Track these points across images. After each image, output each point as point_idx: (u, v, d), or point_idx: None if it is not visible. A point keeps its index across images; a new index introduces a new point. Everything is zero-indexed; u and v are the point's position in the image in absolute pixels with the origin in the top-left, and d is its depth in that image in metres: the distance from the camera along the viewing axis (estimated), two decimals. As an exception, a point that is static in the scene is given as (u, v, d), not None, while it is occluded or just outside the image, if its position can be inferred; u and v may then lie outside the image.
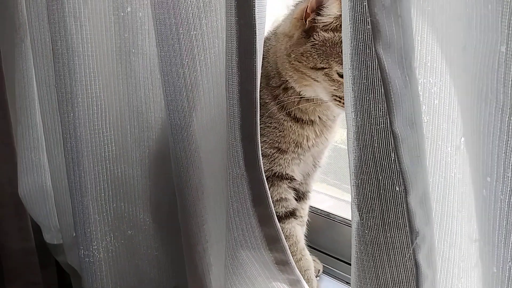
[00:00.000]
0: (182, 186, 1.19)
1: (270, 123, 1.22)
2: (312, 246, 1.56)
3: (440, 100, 0.83)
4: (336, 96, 1.11)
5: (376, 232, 0.87)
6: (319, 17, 1.06)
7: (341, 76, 1.06)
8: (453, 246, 0.89)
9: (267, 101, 1.21)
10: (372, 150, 0.81)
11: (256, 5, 0.92)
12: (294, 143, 1.23)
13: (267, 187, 1.02)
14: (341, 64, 1.01)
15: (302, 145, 1.26)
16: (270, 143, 1.23)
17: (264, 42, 1.26)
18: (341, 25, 1.02)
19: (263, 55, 1.23)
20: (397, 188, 0.81)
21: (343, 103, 1.08)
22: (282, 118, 1.21)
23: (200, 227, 1.22)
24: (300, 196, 1.40)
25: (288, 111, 1.20)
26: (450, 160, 0.84)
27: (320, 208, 1.63)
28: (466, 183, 0.82)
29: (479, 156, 0.69)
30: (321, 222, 1.62)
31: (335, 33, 1.06)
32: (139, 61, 1.33)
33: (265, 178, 1.01)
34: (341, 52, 1.00)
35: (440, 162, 0.85)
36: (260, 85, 1.20)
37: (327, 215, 1.62)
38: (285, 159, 1.25)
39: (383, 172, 0.81)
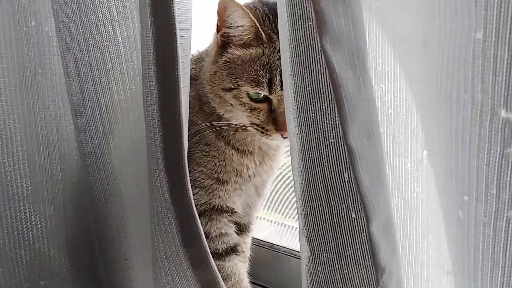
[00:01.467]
0: (100, 225, 1.00)
1: (208, 151, 1.06)
2: (257, 282, 1.40)
3: (395, 109, 0.71)
4: (254, 124, 0.97)
5: (331, 269, 0.72)
6: (227, 30, 0.92)
7: (253, 100, 0.94)
8: (418, 277, 0.77)
9: (202, 127, 1.05)
10: (321, 170, 0.68)
11: (175, 1, 0.77)
12: (234, 172, 1.08)
13: (199, 223, 0.86)
14: (251, 84, 0.90)
15: (242, 174, 1.11)
16: (208, 173, 1.07)
17: (197, 62, 1.12)
18: (254, 38, 0.90)
19: (196, 77, 1.08)
20: (354, 215, 0.68)
21: (266, 133, 0.95)
22: (222, 146, 1.06)
23: (124, 273, 1.03)
24: (242, 229, 1.25)
25: (228, 140, 1.05)
26: (410, 178, 0.73)
27: (262, 238, 1.48)
28: (432, 204, 0.70)
29: (451, 170, 0.57)
30: (264, 254, 1.46)
31: (247, 50, 0.92)
32: (47, 83, 1.13)
33: (196, 213, 0.85)
34: (252, 71, 0.89)
35: (399, 181, 0.73)
36: (193, 108, 1.05)
37: (270, 247, 1.47)
38: (226, 190, 1.09)
39: (337, 196, 0.68)
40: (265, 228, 1.59)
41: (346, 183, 0.67)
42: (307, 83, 0.65)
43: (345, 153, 0.60)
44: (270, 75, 0.89)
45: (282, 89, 0.88)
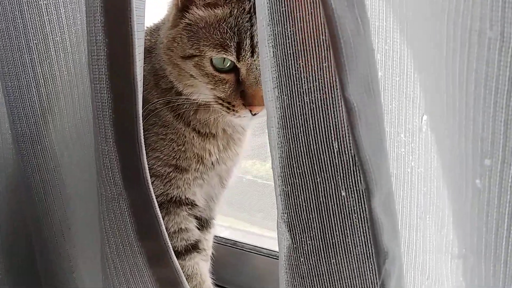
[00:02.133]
0: (39, 222, 0.85)
1: (165, 134, 0.93)
2: (220, 284, 1.27)
3: (387, 71, 0.61)
4: (219, 98, 0.85)
5: (316, 259, 0.62)
6: None
7: (218, 70, 0.82)
8: (412, 266, 0.67)
9: (158, 106, 0.92)
10: (306, 140, 0.57)
11: None
12: (195, 158, 0.95)
13: (158, 210, 0.72)
14: (216, 48, 0.79)
15: (204, 161, 0.98)
16: (164, 159, 0.94)
17: (153, 33, 0.99)
18: None
19: (151, 49, 0.95)
20: (344, 194, 0.57)
21: (233, 109, 0.83)
22: (181, 128, 0.93)
23: (68, 277, 0.88)
24: (203, 224, 1.12)
25: (188, 121, 0.91)
26: (404, 151, 0.63)
27: (224, 236, 1.35)
28: (432, 178, 0.60)
29: (467, 131, 0.47)
30: (226, 253, 1.33)
31: (212, 10, 0.81)
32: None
33: (154, 198, 0.72)
34: (218, 33, 0.78)
35: (390, 155, 0.63)
36: (148, 84, 0.91)
37: (233, 244, 1.35)
38: (185, 179, 0.97)
39: (324, 170, 0.57)
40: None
41: (336, 154, 0.57)
42: (290, 33, 0.54)
43: (337, 113, 0.50)
44: (238, 38, 0.78)
45: (252, 56, 0.79)
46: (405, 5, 0.56)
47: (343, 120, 0.52)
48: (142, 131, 0.67)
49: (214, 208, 1.16)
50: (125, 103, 0.65)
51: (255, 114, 0.83)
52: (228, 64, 0.81)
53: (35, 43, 0.79)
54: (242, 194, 1.41)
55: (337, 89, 0.51)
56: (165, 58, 0.88)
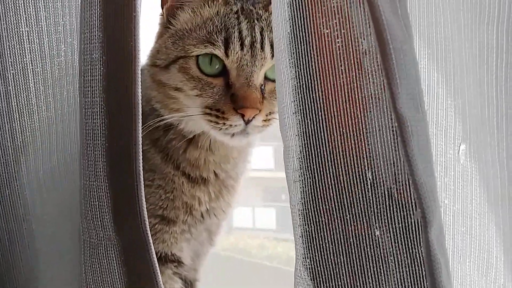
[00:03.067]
0: (1, 278, 0.72)
1: (152, 180, 0.85)
2: None
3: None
4: (206, 107, 0.77)
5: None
6: None
7: (205, 73, 0.76)
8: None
9: (145, 147, 0.83)
10: (335, 167, 0.50)
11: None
12: (184, 208, 0.85)
13: (154, 257, 0.60)
14: (202, 43, 0.75)
15: (193, 212, 0.88)
16: (150, 209, 0.84)
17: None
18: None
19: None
20: (378, 233, 0.49)
21: (223, 116, 0.75)
22: (170, 172, 0.85)
23: None
24: (187, 287, 0.99)
25: (177, 163, 0.83)
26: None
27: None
28: (473, 215, 0.53)
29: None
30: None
31: (198, 12, 0.79)
32: None
33: (151, 243, 0.60)
34: (204, 30, 0.75)
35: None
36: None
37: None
38: (171, 232, 0.87)
39: (360, 203, 0.49)
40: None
41: (369, 186, 0.49)
42: (315, 50, 0.49)
43: (390, 126, 0.43)
44: (226, 33, 0.75)
45: (242, 49, 0.75)
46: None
47: (385, 143, 0.45)
48: (141, 162, 0.58)
49: (199, 269, 1.04)
50: (122, 129, 0.56)
51: (248, 122, 0.75)
52: (216, 67, 0.76)
53: (13, 73, 0.70)
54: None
55: (375, 105, 0.45)
56: (150, 80, 0.82)
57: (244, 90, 0.74)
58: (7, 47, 0.70)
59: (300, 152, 0.52)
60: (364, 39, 0.46)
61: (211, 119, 0.76)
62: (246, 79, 0.75)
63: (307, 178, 0.51)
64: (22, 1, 0.70)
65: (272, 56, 0.76)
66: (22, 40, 0.70)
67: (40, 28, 0.71)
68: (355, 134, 0.49)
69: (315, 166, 0.51)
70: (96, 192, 0.58)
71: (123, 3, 0.54)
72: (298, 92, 0.52)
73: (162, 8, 0.82)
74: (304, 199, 0.52)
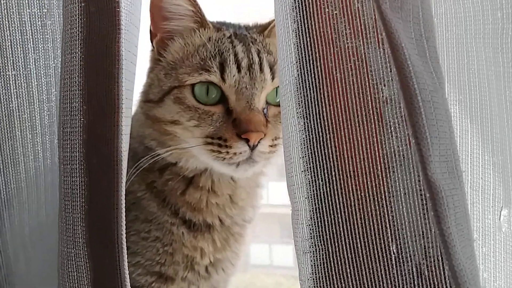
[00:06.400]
0: None
1: (148, 231, 0.77)
2: None
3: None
4: (207, 137, 0.71)
5: None
6: (166, 25, 0.75)
7: (202, 103, 0.72)
8: None
9: (140, 194, 0.76)
10: (353, 238, 0.41)
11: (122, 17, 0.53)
12: (184, 263, 0.77)
13: None
14: (197, 71, 0.72)
15: (195, 266, 0.79)
16: (146, 266, 0.76)
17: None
18: (198, 27, 0.75)
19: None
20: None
21: (225, 144, 0.69)
22: (167, 221, 0.77)
23: None
24: None
25: (175, 208, 0.75)
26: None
27: None
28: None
29: None
30: None
31: (190, 39, 0.76)
32: None
33: None
34: (197, 57, 0.72)
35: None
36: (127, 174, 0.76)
37: None
38: None
39: (382, 281, 0.41)
40: None
41: (394, 262, 0.41)
42: (326, 99, 0.42)
43: (419, 197, 0.35)
44: (220, 57, 0.72)
45: (239, 72, 0.71)
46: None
47: (412, 209, 0.37)
48: (124, 227, 0.50)
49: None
50: (103, 190, 0.49)
51: (254, 148, 0.69)
52: (213, 96, 0.71)
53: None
54: None
55: (399, 163, 0.37)
56: (143, 117, 0.77)
57: (247, 113, 0.69)
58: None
59: (311, 218, 0.44)
60: (384, 85, 0.38)
61: (213, 148, 0.70)
62: (247, 102, 0.70)
63: (319, 250, 0.43)
64: (9, 43, 0.65)
65: (272, 78, 0.72)
66: (8, 84, 0.65)
67: (29, 71, 0.66)
68: (376, 198, 0.41)
69: (328, 236, 0.43)
70: (75, 261, 0.50)
71: (105, 45, 0.48)
72: (307, 147, 0.44)
73: (152, 42, 0.79)
74: (316, 274, 0.44)
